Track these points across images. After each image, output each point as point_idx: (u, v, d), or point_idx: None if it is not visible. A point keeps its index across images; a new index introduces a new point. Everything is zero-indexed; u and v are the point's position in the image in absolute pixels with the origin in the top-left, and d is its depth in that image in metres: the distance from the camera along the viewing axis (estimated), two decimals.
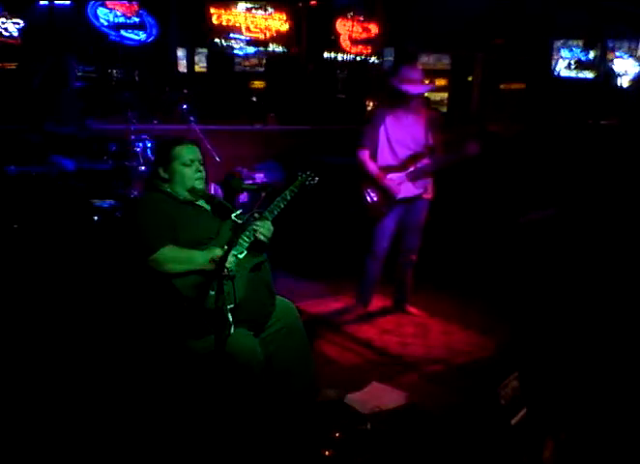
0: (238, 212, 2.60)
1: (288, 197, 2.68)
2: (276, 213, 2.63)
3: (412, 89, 3.74)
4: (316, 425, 2.61)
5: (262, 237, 2.54)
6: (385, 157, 3.89)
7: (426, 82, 3.87)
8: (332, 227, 5.53)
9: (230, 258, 2.35)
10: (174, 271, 2.38)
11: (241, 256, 2.48)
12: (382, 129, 3.85)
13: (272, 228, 2.60)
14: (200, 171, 2.61)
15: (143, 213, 2.53)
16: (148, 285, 2.49)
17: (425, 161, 3.90)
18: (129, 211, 2.74)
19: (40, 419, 2.67)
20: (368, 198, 3.90)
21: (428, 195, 4.00)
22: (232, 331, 2.28)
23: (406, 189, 3.88)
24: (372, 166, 3.88)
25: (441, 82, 13.57)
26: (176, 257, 2.40)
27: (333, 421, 2.64)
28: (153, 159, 2.70)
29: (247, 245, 2.51)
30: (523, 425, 2.51)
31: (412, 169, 3.88)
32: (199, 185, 2.59)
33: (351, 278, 4.32)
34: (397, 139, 3.86)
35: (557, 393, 2.90)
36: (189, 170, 2.57)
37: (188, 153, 2.59)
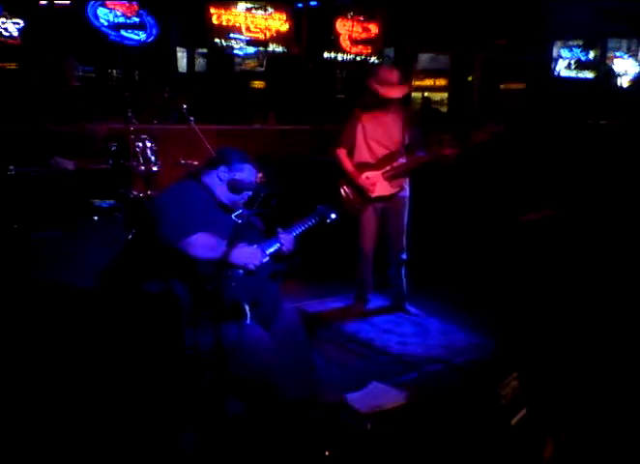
0: (238, 211, 2.66)
1: (308, 225, 2.84)
2: (297, 234, 2.78)
3: (389, 92, 3.77)
4: (316, 425, 2.61)
5: (285, 249, 2.68)
6: (362, 155, 3.94)
7: (403, 84, 3.88)
8: (331, 227, 5.53)
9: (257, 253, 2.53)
10: (202, 256, 2.43)
11: (263, 260, 2.59)
12: (359, 127, 3.90)
13: (294, 244, 2.73)
14: (248, 194, 2.72)
15: (188, 196, 2.59)
16: (167, 265, 2.54)
17: (402, 161, 3.93)
18: (166, 191, 2.72)
19: (38, 416, 2.67)
20: (344, 196, 3.95)
21: (404, 194, 4.02)
22: (248, 321, 2.41)
23: (382, 188, 3.91)
24: (348, 164, 3.93)
25: (441, 82, 13.56)
26: (207, 243, 2.45)
27: (332, 422, 2.64)
28: (216, 157, 2.81)
29: (270, 251, 2.65)
30: (523, 425, 2.51)
31: (388, 168, 3.91)
32: (241, 204, 2.73)
33: (350, 278, 4.32)
34: (374, 138, 3.90)
35: (557, 393, 2.90)
36: (241, 193, 2.68)
37: (252, 175, 2.73)
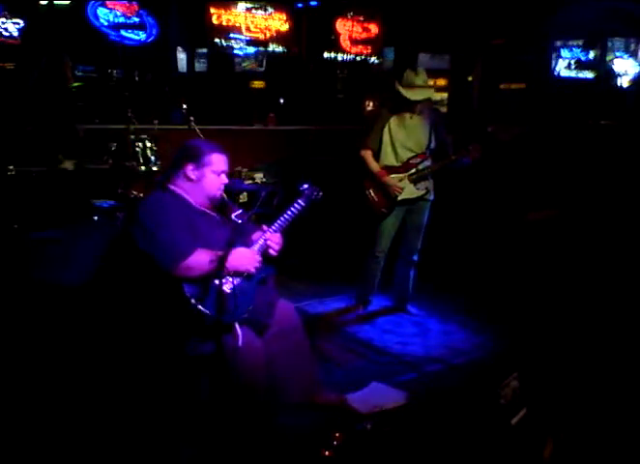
0: (238, 212, 2.62)
1: (296, 212, 2.67)
2: (284, 226, 2.63)
3: (412, 95, 3.76)
4: (316, 426, 2.61)
5: (272, 251, 2.57)
6: (387, 157, 3.92)
7: (428, 87, 3.87)
8: (331, 227, 5.53)
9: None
10: (205, 274, 2.31)
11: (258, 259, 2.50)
12: (386, 130, 3.88)
13: (282, 241, 2.61)
14: (225, 183, 2.59)
15: (165, 214, 2.41)
16: (155, 290, 2.43)
17: (427, 164, 3.92)
18: (142, 213, 2.45)
19: (39, 419, 2.67)
20: (370, 198, 3.92)
21: (430, 197, 4.01)
22: (240, 343, 2.31)
23: (407, 191, 3.90)
24: (374, 165, 3.91)
25: (441, 82, 13.56)
26: (206, 259, 2.32)
27: (332, 422, 2.64)
28: (179, 155, 2.58)
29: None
30: (523, 425, 2.51)
31: (413, 171, 3.90)
32: (219, 194, 2.59)
33: (351, 279, 4.32)
34: (400, 141, 3.88)
35: (557, 393, 2.90)
36: (217, 180, 2.55)
37: (222, 163, 2.57)
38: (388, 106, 3.96)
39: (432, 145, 3.92)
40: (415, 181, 3.90)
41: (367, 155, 3.93)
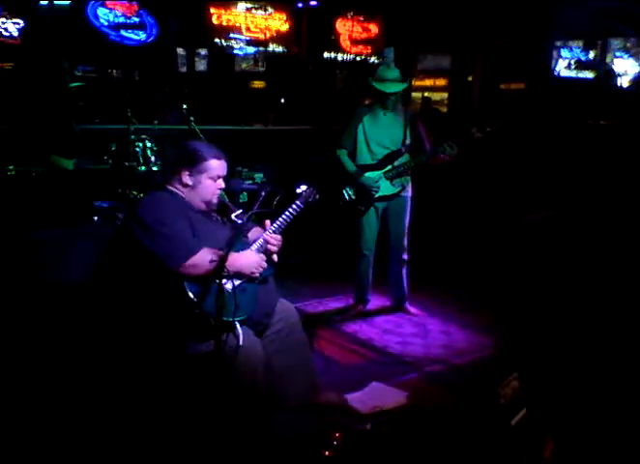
0: (238, 212, 2.62)
1: (294, 213, 2.65)
2: (283, 227, 2.61)
3: (384, 88, 3.80)
4: (316, 426, 2.61)
5: (274, 255, 2.56)
6: (363, 155, 3.95)
7: (400, 81, 3.88)
8: (330, 227, 5.53)
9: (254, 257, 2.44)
10: (208, 272, 2.29)
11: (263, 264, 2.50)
12: (360, 128, 3.91)
13: (281, 241, 2.60)
14: (221, 187, 2.56)
15: (167, 212, 2.40)
16: (156, 289, 2.43)
17: (403, 160, 3.93)
18: (144, 211, 2.43)
19: (38, 419, 2.67)
20: (346, 197, 3.95)
21: (406, 194, 4.02)
22: (241, 342, 2.31)
23: (383, 188, 3.92)
24: (350, 164, 3.94)
25: (441, 82, 13.59)
26: (212, 258, 2.30)
27: (332, 422, 2.64)
28: (175, 158, 2.56)
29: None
30: (523, 425, 2.51)
31: (389, 168, 3.91)
32: (215, 199, 2.56)
33: (350, 278, 4.32)
34: (375, 138, 3.91)
35: (557, 393, 2.90)
36: (214, 185, 2.52)
37: (220, 169, 2.53)
38: (362, 105, 3.99)
39: (408, 141, 3.93)
40: (391, 178, 3.92)
41: (342, 154, 3.96)
